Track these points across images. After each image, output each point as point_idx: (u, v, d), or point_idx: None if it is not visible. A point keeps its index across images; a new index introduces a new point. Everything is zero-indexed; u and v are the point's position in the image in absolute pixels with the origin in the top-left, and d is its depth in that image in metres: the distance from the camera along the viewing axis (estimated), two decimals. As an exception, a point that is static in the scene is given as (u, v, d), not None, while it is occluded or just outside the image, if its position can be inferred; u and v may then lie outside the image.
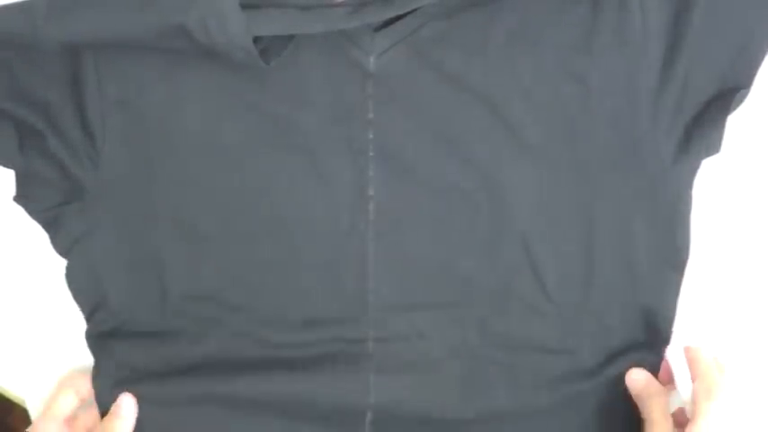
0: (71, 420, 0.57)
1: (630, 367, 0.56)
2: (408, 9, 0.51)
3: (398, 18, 0.52)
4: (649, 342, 0.56)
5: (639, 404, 0.55)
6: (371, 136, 0.54)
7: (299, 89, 0.54)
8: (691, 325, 0.56)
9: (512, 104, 0.53)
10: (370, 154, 0.55)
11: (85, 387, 0.57)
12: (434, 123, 0.54)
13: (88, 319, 0.58)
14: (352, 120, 0.54)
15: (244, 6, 0.49)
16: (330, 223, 0.55)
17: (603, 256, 0.55)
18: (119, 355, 0.57)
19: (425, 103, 0.54)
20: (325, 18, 0.51)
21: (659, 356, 0.56)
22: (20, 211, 0.56)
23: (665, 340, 0.56)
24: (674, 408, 0.55)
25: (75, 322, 0.58)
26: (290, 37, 0.53)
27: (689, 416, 0.52)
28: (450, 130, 0.54)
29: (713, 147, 0.54)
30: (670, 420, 0.53)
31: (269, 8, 0.50)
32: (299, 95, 0.54)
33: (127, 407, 0.56)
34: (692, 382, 0.53)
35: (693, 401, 0.52)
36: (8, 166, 0.56)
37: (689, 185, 0.54)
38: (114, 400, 0.57)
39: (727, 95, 0.53)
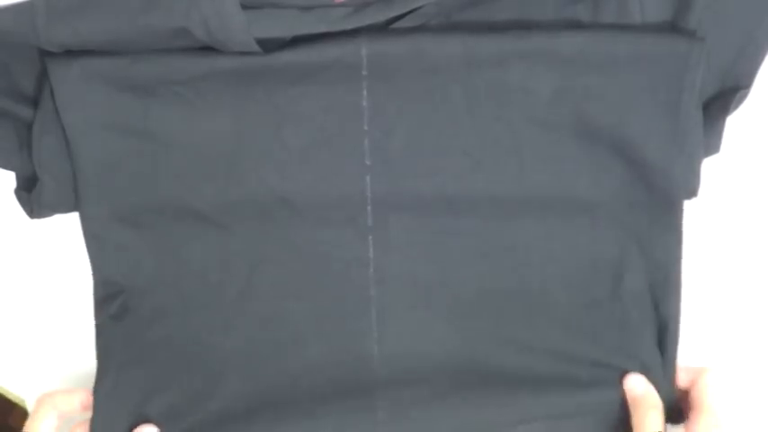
0: None
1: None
2: (408, 9, 0.51)
3: (398, 18, 0.52)
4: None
5: (632, 413, 0.54)
6: (366, 127, 0.54)
7: (296, 87, 0.54)
8: (690, 325, 0.56)
9: (513, 105, 0.53)
10: (366, 144, 0.54)
11: (66, 405, 0.55)
12: (433, 125, 0.54)
13: None
14: (348, 119, 0.54)
15: (244, 7, 0.50)
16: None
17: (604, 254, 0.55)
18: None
19: (423, 105, 0.53)
20: (325, 18, 0.51)
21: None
22: (20, 210, 0.57)
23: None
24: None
25: (76, 323, 0.58)
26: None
27: None
28: (450, 132, 0.54)
29: (713, 147, 0.54)
30: None
31: (269, 8, 0.51)
32: (294, 94, 0.54)
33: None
34: (694, 409, 0.52)
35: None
36: (8, 168, 0.56)
37: None
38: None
39: (728, 95, 0.53)
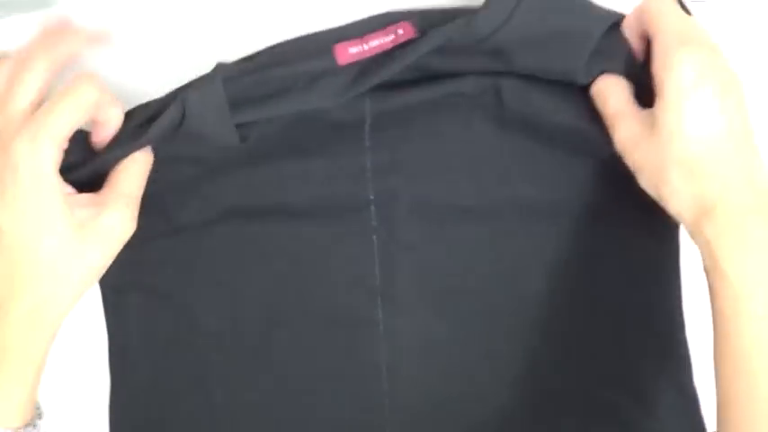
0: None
1: None
2: (406, 62, 0.50)
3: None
4: None
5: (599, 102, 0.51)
6: (372, 196, 0.55)
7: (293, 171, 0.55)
8: (690, 325, 0.56)
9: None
10: (373, 223, 0.55)
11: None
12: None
13: None
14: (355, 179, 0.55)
15: (237, 101, 0.49)
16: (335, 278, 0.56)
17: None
18: None
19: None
20: (328, 92, 0.51)
21: None
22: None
23: None
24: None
25: (78, 322, 0.59)
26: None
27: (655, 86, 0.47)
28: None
29: None
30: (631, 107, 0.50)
31: (263, 99, 0.50)
32: (293, 175, 0.55)
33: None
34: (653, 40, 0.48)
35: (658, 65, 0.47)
36: None
37: None
38: None
39: None
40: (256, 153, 0.54)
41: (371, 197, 0.55)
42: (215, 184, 0.55)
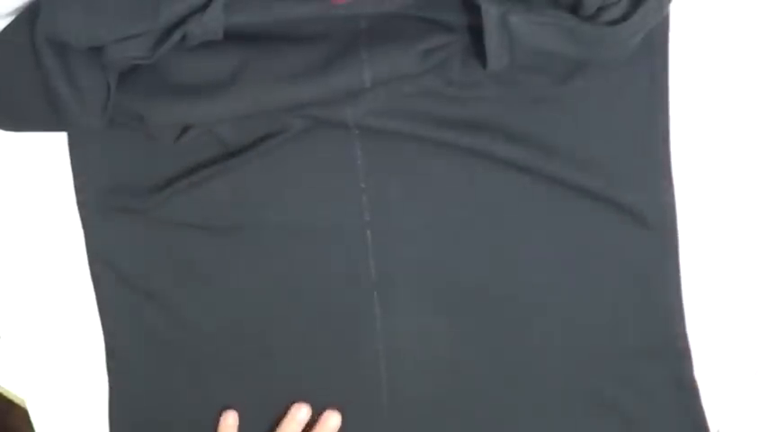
0: None
1: None
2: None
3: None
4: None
5: None
6: (363, 185, 0.55)
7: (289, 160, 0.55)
8: (691, 325, 0.56)
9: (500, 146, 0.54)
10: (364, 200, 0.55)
11: None
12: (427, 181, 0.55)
13: None
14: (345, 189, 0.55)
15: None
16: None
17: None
18: None
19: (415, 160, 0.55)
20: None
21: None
22: (20, 210, 0.56)
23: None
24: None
25: (77, 322, 0.58)
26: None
27: None
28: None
29: None
30: None
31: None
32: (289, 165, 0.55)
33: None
34: None
35: None
36: None
37: None
38: None
39: None
40: (242, 153, 0.55)
41: (363, 186, 0.55)
42: (209, 186, 0.55)
